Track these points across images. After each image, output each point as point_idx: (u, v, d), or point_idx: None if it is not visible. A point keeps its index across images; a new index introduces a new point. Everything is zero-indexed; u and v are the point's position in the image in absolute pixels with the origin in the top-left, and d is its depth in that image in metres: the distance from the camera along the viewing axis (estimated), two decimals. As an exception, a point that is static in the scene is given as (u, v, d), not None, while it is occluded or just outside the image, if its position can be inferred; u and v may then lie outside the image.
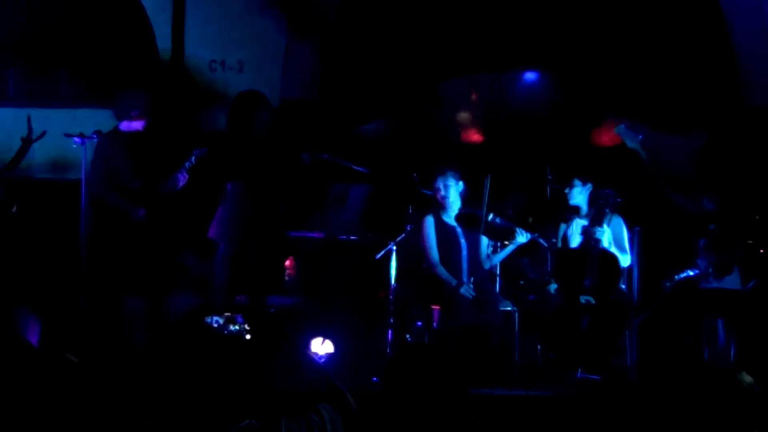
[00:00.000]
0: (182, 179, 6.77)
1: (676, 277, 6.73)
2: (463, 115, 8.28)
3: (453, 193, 6.85)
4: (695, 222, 6.88)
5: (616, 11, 9.22)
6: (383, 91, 9.40)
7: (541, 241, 6.92)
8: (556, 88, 9.22)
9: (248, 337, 2.92)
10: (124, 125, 6.95)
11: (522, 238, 6.79)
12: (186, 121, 8.86)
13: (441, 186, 6.85)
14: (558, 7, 9.34)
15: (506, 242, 6.96)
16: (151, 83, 8.75)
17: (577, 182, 6.94)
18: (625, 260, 6.85)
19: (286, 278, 7.78)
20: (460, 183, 6.89)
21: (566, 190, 7.01)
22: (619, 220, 6.94)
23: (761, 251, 6.80)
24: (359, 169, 7.56)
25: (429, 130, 9.31)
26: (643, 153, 6.99)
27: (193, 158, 6.78)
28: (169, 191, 6.82)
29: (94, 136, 6.86)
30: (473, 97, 9.57)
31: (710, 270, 6.73)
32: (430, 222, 6.93)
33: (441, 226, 6.93)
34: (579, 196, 6.96)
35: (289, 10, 8.96)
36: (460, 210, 6.91)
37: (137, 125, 6.92)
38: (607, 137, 8.42)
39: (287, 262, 7.83)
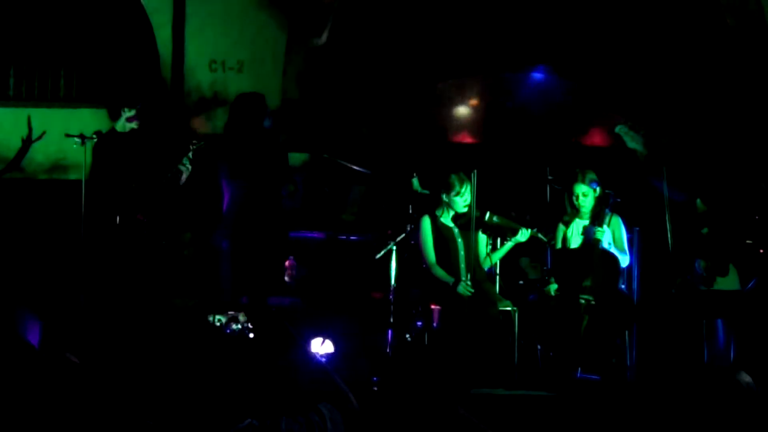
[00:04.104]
0: (185, 172, 6.78)
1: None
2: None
3: (467, 196, 6.85)
4: (694, 222, 6.88)
5: (617, 11, 9.23)
6: (382, 91, 9.41)
7: (540, 236, 6.92)
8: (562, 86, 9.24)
9: (251, 336, 2.93)
10: (120, 125, 6.96)
11: (521, 236, 6.81)
12: (185, 121, 8.86)
13: (457, 185, 6.84)
14: (559, 6, 9.35)
15: (505, 240, 6.99)
16: (151, 84, 8.75)
17: (588, 190, 6.88)
18: (624, 260, 6.86)
19: (287, 278, 7.78)
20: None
21: (578, 193, 6.93)
22: (618, 220, 6.94)
23: (761, 251, 6.81)
24: (359, 169, 7.57)
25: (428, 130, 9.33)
26: (643, 152, 6.99)
27: (190, 153, 6.79)
28: (171, 186, 6.83)
29: (94, 136, 6.88)
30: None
31: (704, 273, 6.75)
32: (426, 223, 6.95)
33: (438, 227, 6.94)
34: (587, 200, 6.92)
35: (289, 11, 8.97)
36: (455, 210, 6.92)
37: (133, 125, 6.94)
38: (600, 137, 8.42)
39: (287, 263, 7.83)
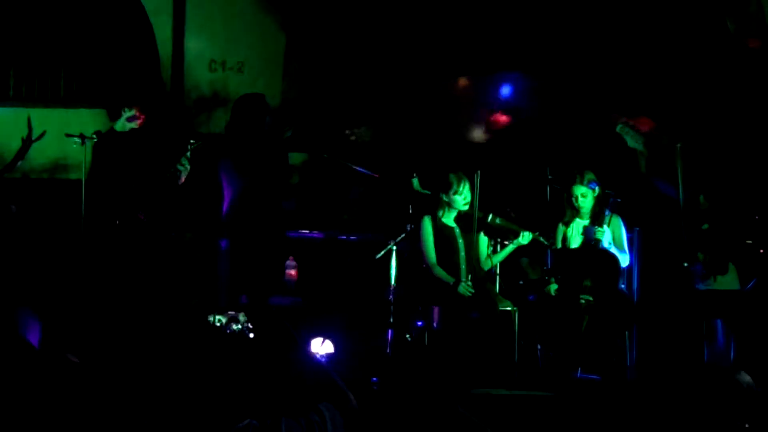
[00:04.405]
0: (183, 172, 6.79)
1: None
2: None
3: (467, 194, 6.86)
4: (693, 220, 6.87)
5: (616, 10, 9.22)
6: (382, 90, 9.41)
7: (542, 239, 6.92)
8: (535, 93, 9.25)
9: (251, 335, 2.93)
10: (120, 125, 6.97)
11: (523, 239, 6.82)
12: (185, 121, 8.87)
13: (455, 183, 6.84)
14: (559, 7, 9.35)
15: (506, 242, 7.00)
16: (151, 83, 8.76)
17: (586, 191, 6.89)
18: (624, 260, 6.86)
19: (288, 279, 7.79)
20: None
21: (576, 194, 6.94)
22: (619, 220, 6.95)
23: (761, 251, 6.80)
24: (359, 169, 7.57)
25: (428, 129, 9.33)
26: (644, 152, 6.98)
27: (188, 153, 6.79)
28: (171, 186, 6.83)
29: (94, 136, 6.89)
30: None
31: (704, 269, 6.75)
32: (426, 223, 6.94)
33: (438, 227, 6.94)
34: (586, 200, 6.93)
35: (289, 10, 8.98)
36: (459, 211, 6.92)
37: (133, 124, 6.95)
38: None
39: (288, 262, 7.83)
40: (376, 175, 7.59)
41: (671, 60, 9.12)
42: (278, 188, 7.04)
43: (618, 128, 7.16)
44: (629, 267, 7.03)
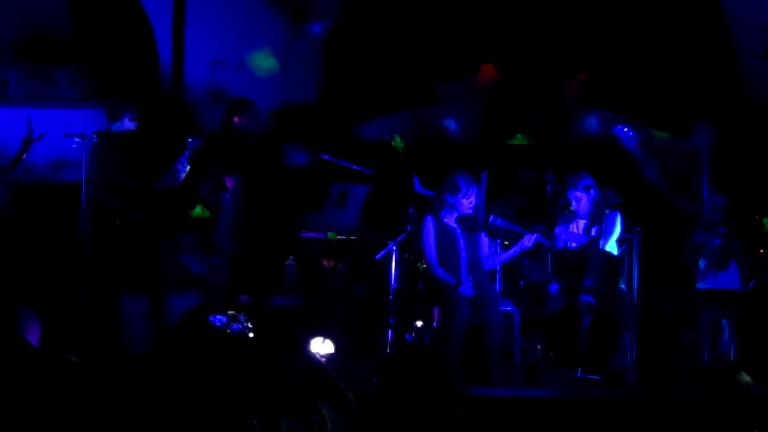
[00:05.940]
0: (182, 171, 6.79)
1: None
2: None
3: (473, 198, 6.83)
4: (696, 221, 6.86)
5: (616, 11, 9.24)
6: (383, 90, 9.41)
7: (544, 240, 6.91)
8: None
9: (251, 335, 2.93)
10: (120, 125, 6.97)
11: (527, 241, 6.82)
12: (184, 121, 8.88)
13: (464, 187, 6.79)
14: (558, 7, 9.36)
15: (507, 243, 7.01)
16: (151, 83, 8.76)
17: (581, 194, 6.91)
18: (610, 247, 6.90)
19: (288, 279, 7.79)
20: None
21: (571, 199, 6.99)
22: (617, 217, 6.96)
23: (761, 251, 6.81)
24: (359, 169, 7.57)
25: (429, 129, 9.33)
26: (640, 154, 6.97)
27: (187, 152, 6.79)
28: (169, 185, 6.83)
29: (94, 136, 6.88)
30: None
31: (707, 267, 6.75)
32: (429, 223, 6.91)
33: (440, 227, 6.92)
34: (581, 203, 6.96)
35: (289, 10, 8.98)
36: (460, 212, 6.90)
37: (131, 125, 6.95)
38: None
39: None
40: (374, 174, 7.59)
41: (670, 59, 9.13)
42: (281, 187, 7.03)
43: (614, 130, 7.14)
44: (629, 267, 7.04)
